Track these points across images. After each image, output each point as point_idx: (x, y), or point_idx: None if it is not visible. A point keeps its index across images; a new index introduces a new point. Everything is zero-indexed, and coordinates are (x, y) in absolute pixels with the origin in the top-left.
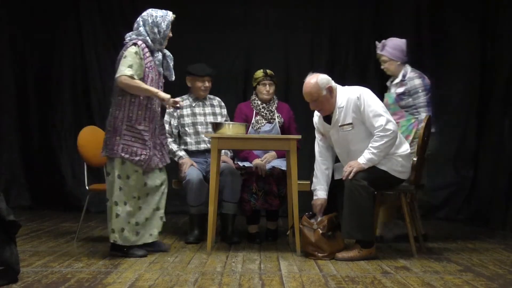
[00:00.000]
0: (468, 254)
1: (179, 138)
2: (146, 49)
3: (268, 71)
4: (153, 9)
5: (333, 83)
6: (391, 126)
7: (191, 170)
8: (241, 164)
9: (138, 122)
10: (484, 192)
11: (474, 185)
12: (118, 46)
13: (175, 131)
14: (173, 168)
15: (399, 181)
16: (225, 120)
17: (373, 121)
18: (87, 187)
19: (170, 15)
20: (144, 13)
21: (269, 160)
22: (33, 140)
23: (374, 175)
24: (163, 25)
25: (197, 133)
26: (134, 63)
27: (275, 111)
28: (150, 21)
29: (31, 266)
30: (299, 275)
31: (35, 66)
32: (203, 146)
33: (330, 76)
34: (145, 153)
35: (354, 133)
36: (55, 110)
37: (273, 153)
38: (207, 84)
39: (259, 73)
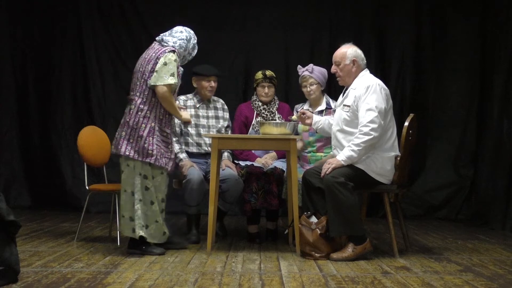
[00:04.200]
0: (468, 254)
1: (181, 136)
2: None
3: (267, 72)
4: (185, 27)
5: (361, 61)
6: (375, 127)
7: (191, 170)
8: (242, 163)
9: (166, 125)
10: (484, 192)
11: (474, 185)
12: (118, 45)
13: (177, 129)
14: None
15: (377, 182)
16: (227, 125)
17: (362, 114)
18: (87, 187)
19: (195, 38)
20: (181, 28)
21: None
22: (33, 140)
23: (351, 173)
24: (190, 46)
25: (199, 135)
26: (175, 71)
27: (276, 112)
28: (184, 37)
29: (31, 266)
30: (299, 275)
31: (35, 66)
32: (204, 148)
33: (329, 76)
34: (168, 156)
35: (349, 116)
36: (55, 110)
37: (273, 154)
38: (213, 84)
39: (259, 75)
